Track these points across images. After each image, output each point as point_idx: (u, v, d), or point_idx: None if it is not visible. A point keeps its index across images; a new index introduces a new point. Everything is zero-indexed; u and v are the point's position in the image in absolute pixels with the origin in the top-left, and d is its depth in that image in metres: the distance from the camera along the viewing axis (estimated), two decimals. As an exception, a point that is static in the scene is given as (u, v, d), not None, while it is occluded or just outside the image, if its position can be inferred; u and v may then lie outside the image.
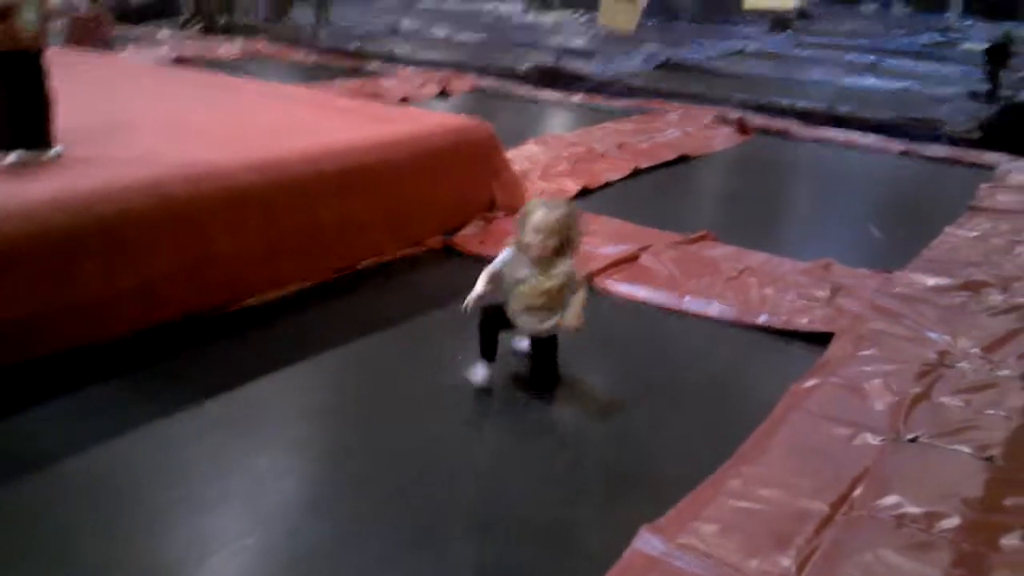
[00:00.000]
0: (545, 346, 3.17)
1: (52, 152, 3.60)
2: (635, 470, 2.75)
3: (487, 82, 10.08)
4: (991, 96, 11.90)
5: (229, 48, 11.61)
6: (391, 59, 11.68)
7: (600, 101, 9.48)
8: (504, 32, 16.92)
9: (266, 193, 3.77)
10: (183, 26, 14.69)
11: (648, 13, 15.33)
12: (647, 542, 2.24)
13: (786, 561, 2.21)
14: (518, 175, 5.44)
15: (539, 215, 2.94)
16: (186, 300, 3.51)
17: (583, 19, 19.16)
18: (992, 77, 12.79)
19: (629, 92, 10.07)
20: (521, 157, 6.26)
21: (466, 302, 3.11)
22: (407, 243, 4.49)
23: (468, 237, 4.66)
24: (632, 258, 4.44)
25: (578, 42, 14.94)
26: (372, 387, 3.23)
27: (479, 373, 3.18)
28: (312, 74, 10.15)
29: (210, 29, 14.50)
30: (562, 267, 3.02)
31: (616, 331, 3.79)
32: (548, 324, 3.09)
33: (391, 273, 4.27)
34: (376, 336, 3.61)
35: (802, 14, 20.89)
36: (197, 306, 3.55)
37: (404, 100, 8.56)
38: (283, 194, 3.85)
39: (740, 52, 14.90)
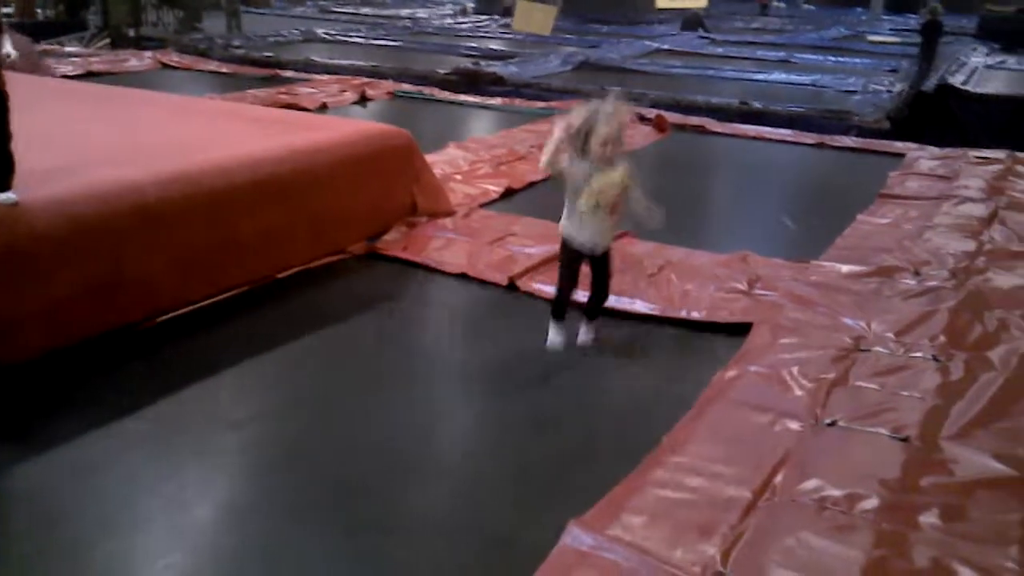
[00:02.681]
0: (603, 265, 3.39)
1: (4, 198, 3.26)
2: (564, 465, 2.76)
3: (406, 87, 10.02)
4: (925, 69, 12.32)
5: (139, 61, 11.31)
6: (307, 67, 11.53)
7: (520, 103, 9.51)
8: (422, 37, 16.88)
9: (178, 208, 3.68)
10: (90, 41, 14.27)
11: (563, 16, 15.45)
12: (575, 537, 2.25)
13: (711, 549, 2.23)
14: (440, 179, 5.41)
15: (604, 130, 3.05)
16: (97, 320, 3.40)
17: (500, 22, 19.20)
18: (927, 52, 13.24)
19: (548, 93, 10.13)
20: (443, 161, 6.24)
21: (546, 160, 3.24)
22: (329, 251, 4.44)
23: (391, 242, 4.63)
24: (556, 257, 4.45)
25: (498, 45, 14.99)
26: (295, 398, 3.18)
27: (553, 336, 3.41)
28: (225, 84, 9.95)
29: (118, 42, 14.12)
30: (620, 167, 3.18)
31: (542, 330, 3.80)
32: (608, 236, 3.28)
33: (314, 281, 4.21)
34: (300, 345, 3.56)
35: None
36: (109, 325, 3.44)
37: (322, 107, 8.46)
38: (196, 208, 3.76)
39: (656, 51, 15.13)
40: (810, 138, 8.02)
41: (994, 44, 16.35)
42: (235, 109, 5.99)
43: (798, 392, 3.11)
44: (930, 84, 11.40)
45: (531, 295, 4.10)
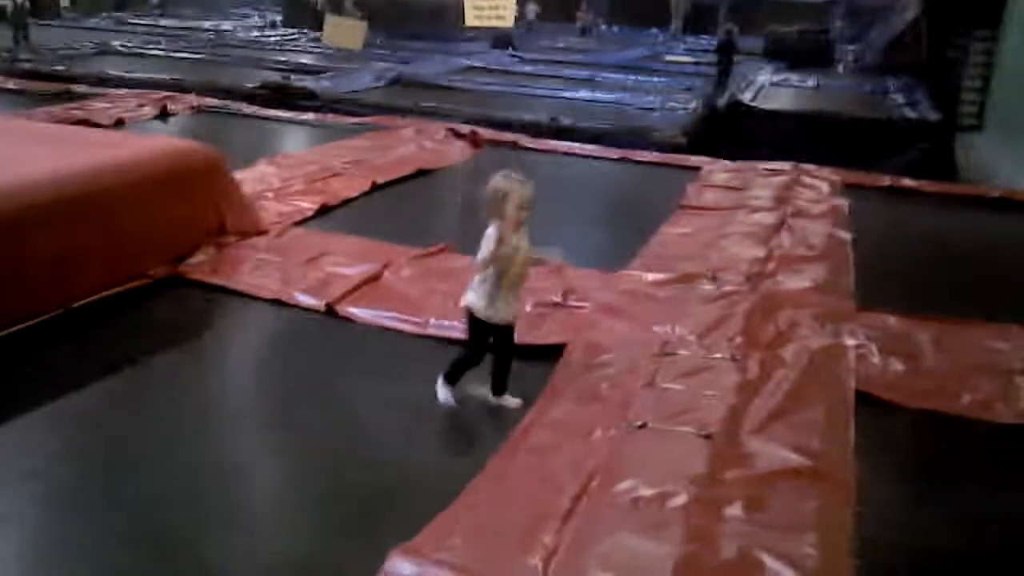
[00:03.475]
0: (510, 337, 3.25)
1: None
2: (389, 493, 2.72)
3: (212, 101, 9.66)
4: (721, 86, 13.18)
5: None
6: (103, 81, 10.89)
7: (333, 118, 9.37)
8: (227, 50, 16.36)
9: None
10: None
11: (375, 31, 15.39)
12: (398, 567, 2.22)
13: (533, 560, 2.27)
14: (250, 197, 5.25)
15: (522, 192, 3.07)
16: None
17: (310, 36, 18.90)
18: (722, 70, 14.22)
19: (362, 109, 10.06)
20: (253, 179, 6.05)
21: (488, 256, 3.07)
22: (129, 276, 4.18)
23: (199, 265, 4.43)
24: (374, 277, 4.40)
25: (308, 59, 14.74)
26: (90, 442, 2.95)
27: (445, 394, 3.21)
28: (12, 101, 9.24)
29: None
30: (523, 234, 3.16)
31: (359, 353, 3.75)
32: (517, 305, 3.23)
33: (113, 308, 3.96)
34: (95, 381, 3.32)
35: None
36: None
37: (119, 123, 8.01)
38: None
39: (468, 68, 15.35)
40: (616, 153, 8.35)
41: (779, 63, 17.68)
42: (20, 126, 5.57)
43: (610, 398, 3.22)
44: (723, 101, 12.18)
45: (349, 320, 4.03)
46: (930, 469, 3.06)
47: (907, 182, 7.41)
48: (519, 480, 2.69)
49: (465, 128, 8.65)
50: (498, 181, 3.13)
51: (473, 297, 3.16)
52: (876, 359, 3.69)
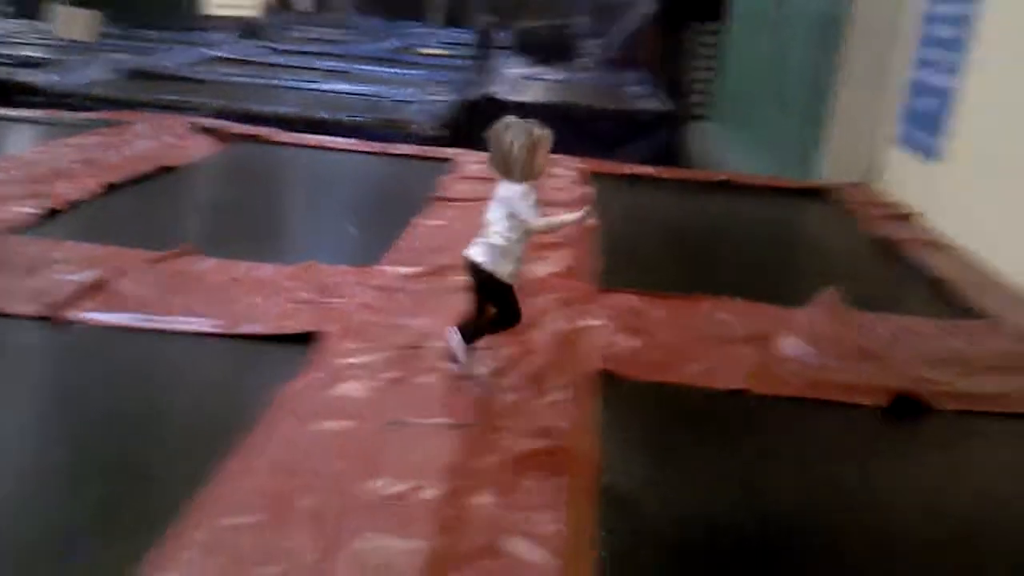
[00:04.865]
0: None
1: None
2: (117, 509, 2.52)
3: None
4: (480, 79, 13.49)
5: None
6: None
7: (59, 115, 8.62)
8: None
9: None
10: None
11: (109, 20, 14.37)
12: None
13: (280, 569, 2.20)
14: (-44, 204, 4.72)
15: (548, 138, 2.93)
16: None
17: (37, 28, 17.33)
18: (481, 64, 14.61)
19: (93, 104, 9.34)
20: (-38, 185, 5.45)
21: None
22: None
23: None
24: (104, 283, 4.09)
25: (30, 52, 13.48)
26: None
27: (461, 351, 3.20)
28: None
29: None
30: None
31: (93, 363, 3.48)
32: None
33: None
34: None
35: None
36: None
37: None
38: None
39: (214, 59, 14.67)
40: (372, 146, 8.28)
41: (529, 57, 18.28)
42: None
43: (364, 395, 3.19)
44: (477, 93, 12.43)
45: (81, 325, 3.72)
46: (664, 438, 3.28)
47: (645, 169, 7.92)
48: (263, 482, 2.58)
49: (210, 122, 8.26)
50: (524, 126, 2.96)
51: (504, 263, 3.15)
52: (616, 337, 3.90)
